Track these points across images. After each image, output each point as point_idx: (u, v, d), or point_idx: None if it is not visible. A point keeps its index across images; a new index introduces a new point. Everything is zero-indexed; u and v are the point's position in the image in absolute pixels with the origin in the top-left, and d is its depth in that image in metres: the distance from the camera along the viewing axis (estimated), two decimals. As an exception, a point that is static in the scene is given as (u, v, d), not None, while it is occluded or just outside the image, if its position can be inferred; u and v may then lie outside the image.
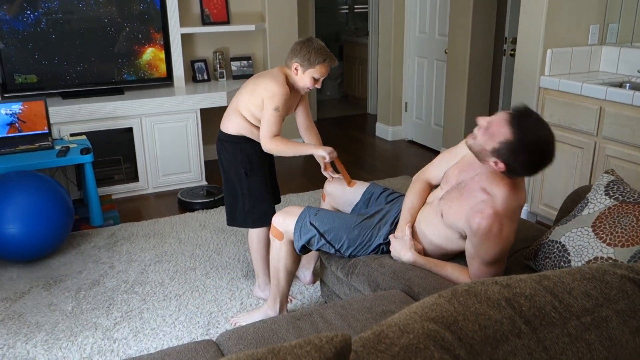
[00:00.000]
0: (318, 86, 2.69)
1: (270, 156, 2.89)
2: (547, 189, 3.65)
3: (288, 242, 2.43)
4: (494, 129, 1.89)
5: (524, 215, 3.76)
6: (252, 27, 4.76)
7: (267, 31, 4.93)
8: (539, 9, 3.52)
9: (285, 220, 2.40)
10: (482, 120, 1.95)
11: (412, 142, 5.69)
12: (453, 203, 2.06)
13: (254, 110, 2.68)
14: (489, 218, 1.93)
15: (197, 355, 1.65)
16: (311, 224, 2.33)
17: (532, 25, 3.58)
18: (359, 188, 2.67)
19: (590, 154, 3.30)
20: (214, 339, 1.80)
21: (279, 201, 3.03)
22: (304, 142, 2.94)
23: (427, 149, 5.45)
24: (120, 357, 2.46)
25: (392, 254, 2.26)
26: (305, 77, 2.63)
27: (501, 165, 1.91)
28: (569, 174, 3.46)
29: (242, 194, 2.80)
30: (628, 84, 3.44)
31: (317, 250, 2.41)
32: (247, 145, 2.75)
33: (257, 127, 2.71)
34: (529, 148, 1.85)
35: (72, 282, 3.07)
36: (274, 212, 2.67)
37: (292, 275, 2.53)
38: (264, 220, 2.79)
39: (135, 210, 4.08)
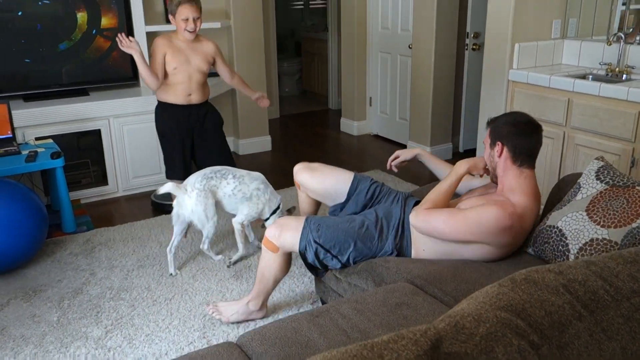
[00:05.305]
0: (191, 25, 3.27)
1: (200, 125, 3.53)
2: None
3: (282, 255, 2.39)
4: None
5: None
6: (217, 24, 4.69)
7: (233, 28, 4.87)
8: (506, 5, 3.64)
9: (282, 234, 2.33)
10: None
11: (377, 136, 5.77)
12: (469, 202, 2.22)
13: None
14: (505, 211, 2.09)
15: (222, 359, 1.63)
16: (315, 242, 2.29)
17: (500, 21, 3.71)
18: (342, 179, 2.66)
19: (560, 143, 3.45)
20: (235, 341, 1.79)
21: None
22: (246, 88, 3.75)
23: (393, 142, 5.54)
24: (118, 365, 2.41)
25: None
26: (178, 24, 3.28)
27: (505, 151, 2.17)
28: (540, 163, 3.57)
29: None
30: (590, 76, 3.61)
31: (322, 263, 2.37)
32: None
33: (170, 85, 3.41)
34: (510, 124, 2.18)
35: (53, 291, 2.96)
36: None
37: (278, 282, 2.52)
38: None
39: (107, 215, 3.97)
